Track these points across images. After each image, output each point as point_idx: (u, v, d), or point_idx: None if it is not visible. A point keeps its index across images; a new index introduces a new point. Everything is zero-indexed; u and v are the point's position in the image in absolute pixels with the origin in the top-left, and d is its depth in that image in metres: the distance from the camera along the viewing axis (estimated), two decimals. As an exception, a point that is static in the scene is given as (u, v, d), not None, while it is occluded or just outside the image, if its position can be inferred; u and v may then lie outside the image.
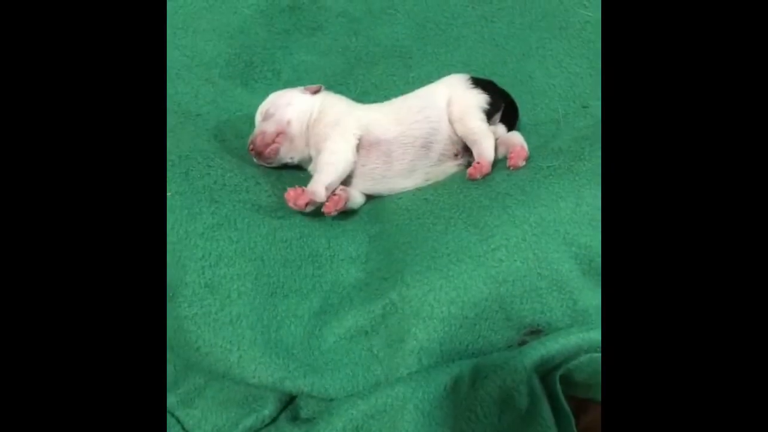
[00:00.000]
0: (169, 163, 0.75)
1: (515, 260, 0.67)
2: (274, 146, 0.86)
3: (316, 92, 0.93)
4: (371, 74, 1.06)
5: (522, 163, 0.82)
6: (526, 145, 0.85)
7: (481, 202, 0.73)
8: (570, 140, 0.84)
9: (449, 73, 1.00)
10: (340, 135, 0.85)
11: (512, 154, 0.82)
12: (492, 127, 0.87)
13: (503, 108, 0.90)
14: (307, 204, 0.78)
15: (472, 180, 0.81)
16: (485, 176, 0.81)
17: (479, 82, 0.90)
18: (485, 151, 0.83)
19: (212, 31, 1.05)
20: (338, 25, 1.11)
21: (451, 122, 0.87)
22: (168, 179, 0.73)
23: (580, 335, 0.64)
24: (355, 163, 0.85)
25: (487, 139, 0.84)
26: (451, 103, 0.88)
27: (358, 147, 0.86)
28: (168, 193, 0.72)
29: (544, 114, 0.97)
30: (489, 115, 0.87)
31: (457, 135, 0.87)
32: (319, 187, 0.79)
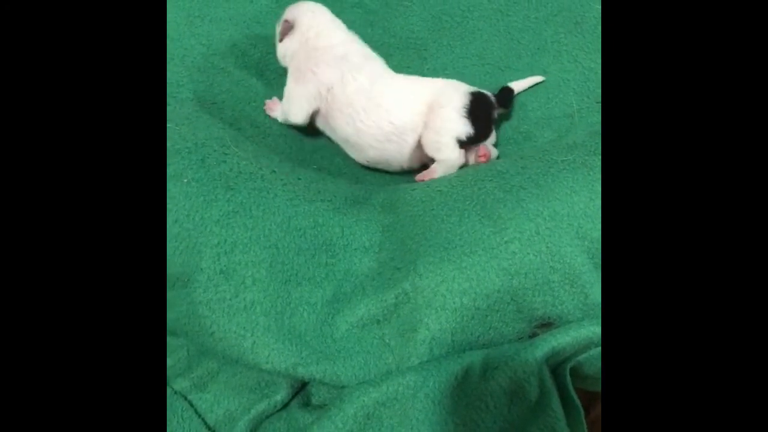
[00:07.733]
0: (185, 150, 0.76)
1: (528, 253, 0.67)
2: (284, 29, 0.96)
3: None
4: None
5: (485, 159, 0.89)
6: (491, 148, 0.91)
7: (495, 195, 0.73)
8: (584, 135, 0.84)
9: (464, 65, 1.00)
10: (301, 94, 0.94)
11: (480, 155, 0.89)
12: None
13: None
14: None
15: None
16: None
17: (472, 111, 0.88)
18: (438, 170, 0.88)
19: (228, 20, 1.05)
20: (354, 15, 1.11)
21: (423, 144, 0.89)
22: (184, 166, 0.74)
23: (590, 328, 0.65)
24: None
25: (445, 166, 0.88)
26: (427, 126, 0.88)
27: (319, 115, 0.95)
28: (184, 180, 0.73)
29: (558, 109, 0.97)
30: (464, 144, 0.88)
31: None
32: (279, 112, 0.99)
